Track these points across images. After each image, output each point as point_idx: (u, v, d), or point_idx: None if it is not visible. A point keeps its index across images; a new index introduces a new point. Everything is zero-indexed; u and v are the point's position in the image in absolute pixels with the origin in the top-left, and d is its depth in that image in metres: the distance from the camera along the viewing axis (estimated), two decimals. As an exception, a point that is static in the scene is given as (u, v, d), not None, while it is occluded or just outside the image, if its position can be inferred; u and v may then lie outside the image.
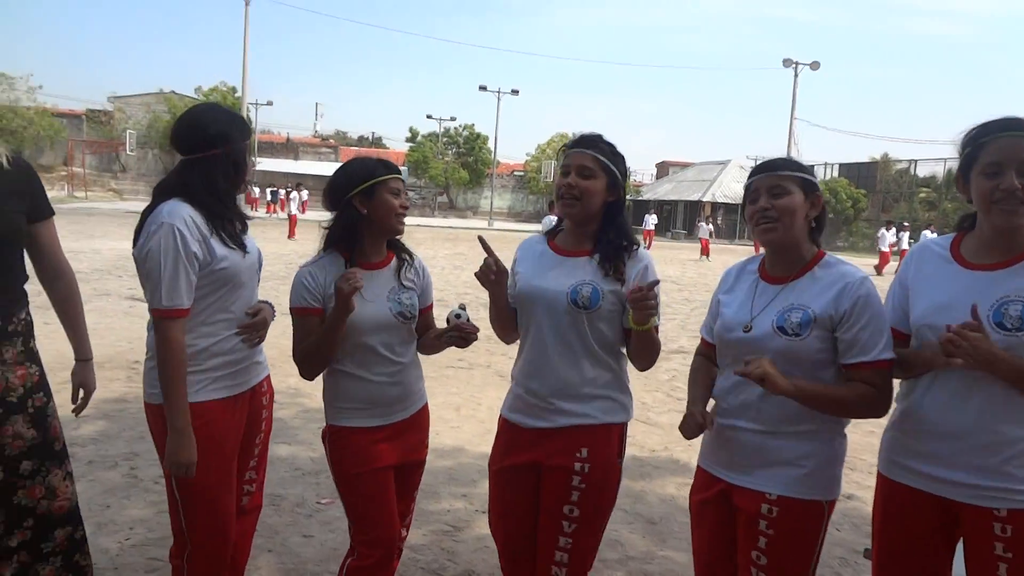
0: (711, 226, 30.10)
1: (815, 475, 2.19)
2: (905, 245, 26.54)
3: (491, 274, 2.48)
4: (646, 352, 2.45)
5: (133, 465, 4.51)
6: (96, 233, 20.59)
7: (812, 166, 2.35)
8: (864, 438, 5.76)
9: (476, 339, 2.58)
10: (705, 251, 28.63)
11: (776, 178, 2.25)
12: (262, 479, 2.81)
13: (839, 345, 2.15)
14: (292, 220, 25.36)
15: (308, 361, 2.50)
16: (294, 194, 27.60)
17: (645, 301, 2.26)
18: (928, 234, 25.23)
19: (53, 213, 2.55)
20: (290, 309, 2.52)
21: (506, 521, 2.59)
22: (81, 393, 2.64)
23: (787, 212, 2.21)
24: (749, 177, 2.35)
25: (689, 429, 2.28)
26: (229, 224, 2.47)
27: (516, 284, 2.57)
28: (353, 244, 2.52)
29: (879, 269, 24.03)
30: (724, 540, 2.33)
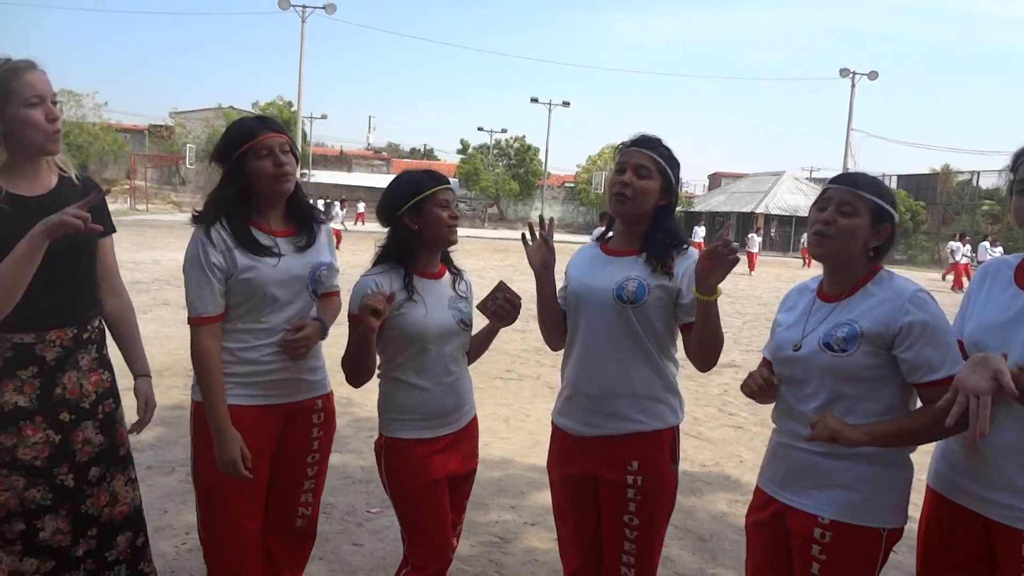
0: (760, 237, 28.15)
1: (872, 500, 2.10)
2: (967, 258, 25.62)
3: (543, 248, 2.52)
4: (708, 341, 2.34)
5: (190, 471, 4.60)
6: (156, 244, 21.16)
7: (892, 194, 2.24)
8: (922, 458, 5.60)
9: (518, 314, 2.58)
10: (751, 265, 25.88)
11: (852, 195, 2.16)
12: (317, 504, 2.79)
13: (903, 366, 2.07)
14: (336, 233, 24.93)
15: (348, 369, 2.50)
16: (337, 209, 26.85)
17: (719, 255, 2.16)
18: (987, 246, 24.35)
19: (114, 231, 2.57)
20: (348, 316, 2.52)
21: (567, 525, 2.65)
22: (146, 408, 2.64)
23: (845, 231, 2.15)
24: (827, 183, 2.29)
25: (749, 385, 2.25)
26: (249, 235, 2.47)
27: (568, 287, 2.59)
28: (409, 258, 2.53)
29: (958, 284, 23.09)
30: (779, 563, 2.28)
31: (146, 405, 2.61)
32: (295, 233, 2.59)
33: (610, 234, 2.64)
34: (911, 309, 2.05)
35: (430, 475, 2.51)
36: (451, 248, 2.66)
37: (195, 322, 2.46)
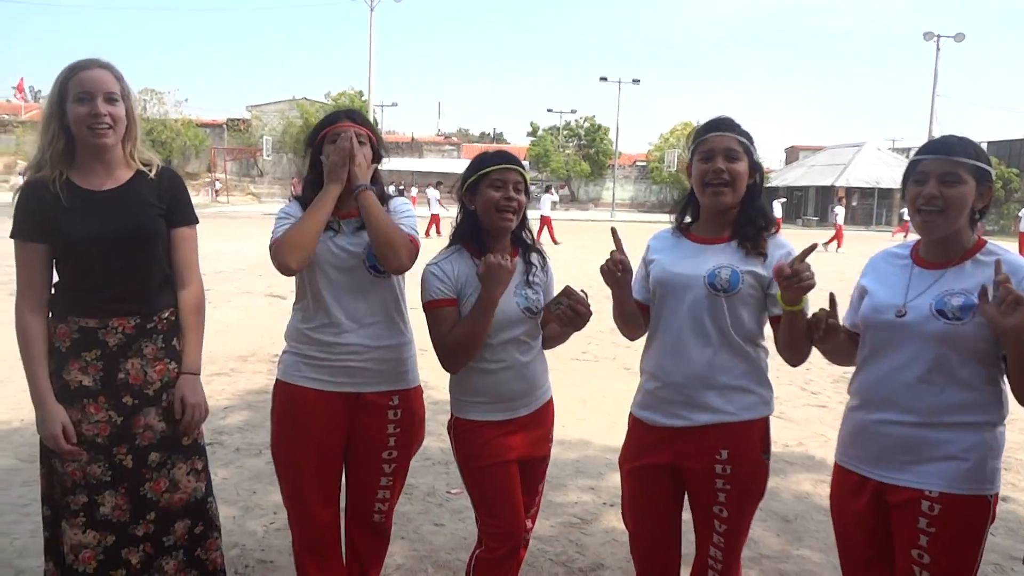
0: (843, 209, 25.90)
1: (979, 468, 2.08)
2: None
3: (617, 270, 2.41)
4: (796, 341, 2.30)
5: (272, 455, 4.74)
6: (238, 235, 21.80)
7: (982, 148, 2.14)
8: (1019, 436, 5.35)
9: (585, 322, 2.46)
10: (839, 239, 24.08)
11: (950, 164, 2.08)
12: (394, 502, 2.81)
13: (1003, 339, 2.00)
14: (433, 218, 24.05)
15: (455, 353, 2.47)
16: (432, 191, 26.20)
17: (798, 277, 2.14)
18: None
19: (196, 221, 2.61)
20: (424, 305, 2.52)
21: (640, 518, 2.57)
22: (183, 408, 2.48)
23: (956, 203, 2.08)
24: (917, 154, 2.20)
25: (817, 329, 2.22)
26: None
27: (650, 274, 2.52)
28: (476, 239, 2.53)
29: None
30: (876, 541, 2.23)
31: (183, 404, 2.47)
32: (358, 215, 2.59)
33: (687, 220, 2.56)
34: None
35: (499, 456, 2.52)
36: (524, 233, 2.63)
37: (274, 241, 2.52)
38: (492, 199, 2.46)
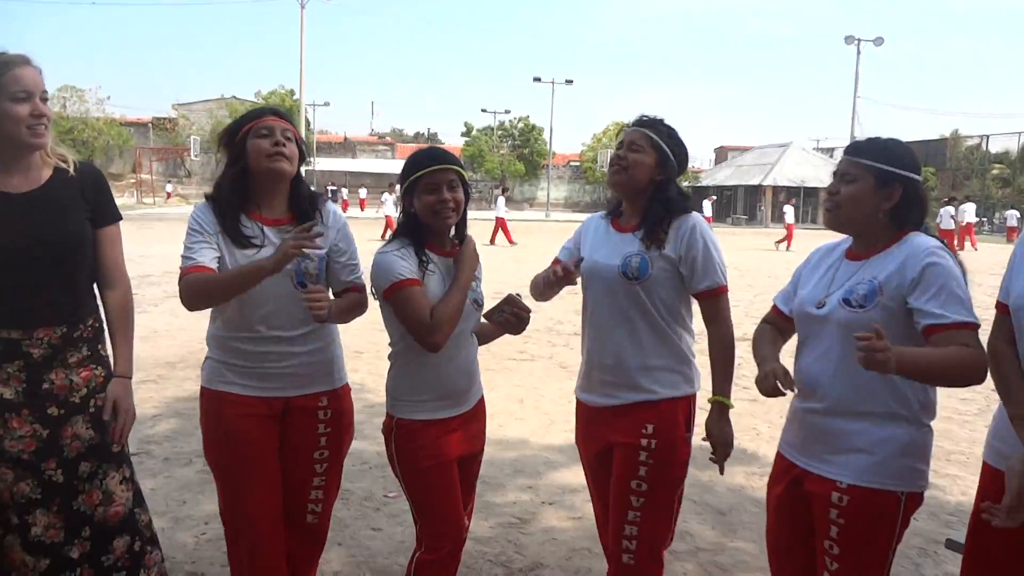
0: (793, 208, 25.43)
1: (889, 463, 2.10)
2: (970, 219, 25.28)
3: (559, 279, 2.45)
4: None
5: (207, 462, 4.62)
6: (165, 238, 21.18)
7: (907, 154, 2.20)
8: (939, 424, 5.57)
9: (525, 326, 2.52)
10: (789, 239, 23.86)
11: (849, 163, 2.19)
12: (330, 503, 2.77)
13: (916, 316, 2.04)
14: (388, 221, 23.02)
15: (445, 326, 2.37)
16: (386, 196, 25.11)
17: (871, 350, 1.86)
18: (1018, 215, 24.05)
19: (119, 219, 2.52)
20: (390, 287, 2.39)
21: (597, 499, 2.74)
22: (114, 411, 2.40)
23: (848, 200, 2.18)
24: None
25: (766, 386, 2.21)
26: (233, 220, 2.46)
27: (582, 265, 2.58)
28: (417, 235, 2.48)
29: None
30: (797, 528, 2.29)
31: (115, 409, 2.39)
32: (289, 222, 2.52)
33: (620, 208, 2.67)
34: (927, 259, 2.06)
35: (441, 457, 2.50)
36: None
37: (184, 273, 2.39)
38: (428, 203, 2.43)
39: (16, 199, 2.26)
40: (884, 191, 2.15)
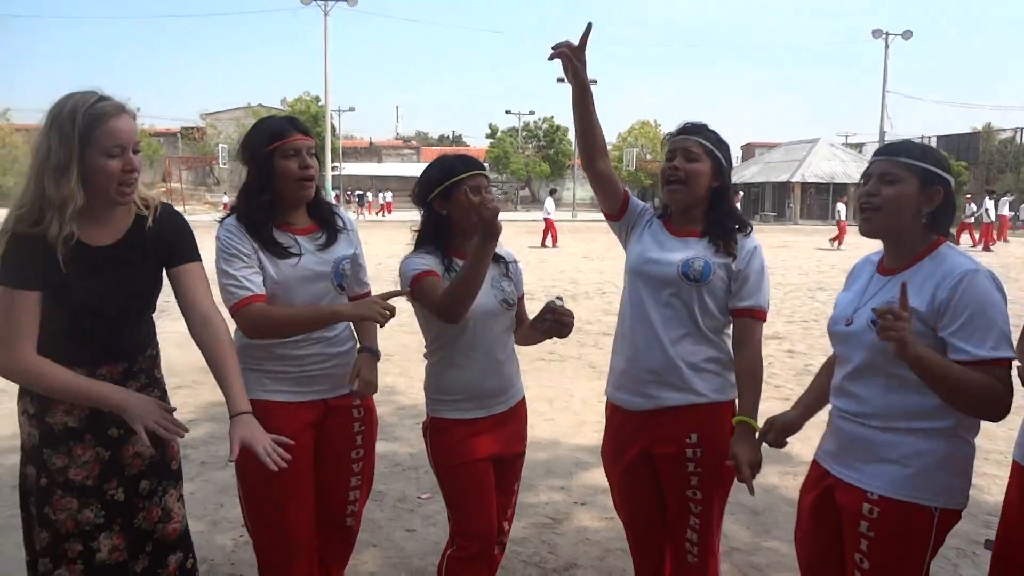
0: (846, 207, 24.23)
1: (923, 476, 2.00)
2: (1004, 212, 24.70)
3: (571, 54, 2.40)
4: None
5: (238, 473, 4.67)
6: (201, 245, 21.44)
7: (943, 156, 2.15)
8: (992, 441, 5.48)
9: (570, 330, 2.56)
10: (841, 236, 22.89)
11: (890, 164, 2.09)
12: (364, 502, 2.81)
13: (948, 349, 1.96)
14: (549, 224, 23.22)
15: (459, 298, 2.35)
16: (548, 200, 24.82)
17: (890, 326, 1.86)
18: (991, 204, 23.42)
19: (197, 259, 2.39)
20: (411, 281, 2.46)
21: (629, 506, 2.71)
22: (237, 449, 2.13)
23: (891, 202, 2.07)
24: (872, 155, 2.23)
25: (761, 435, 2.37)
26: (268, 234, 2.49)
27: (628, 260, 2.63)
28: (444, 242, 2.54)
29: (986, 244, 22.40)
30: (829, 540, 2.23)
31: (244, 445, 2.14)
32: (317, 230, 2.60)
33: (670, 210, 2.64)
34: (956, 285, 1.95)
35: (472, 455, 2.52)
36: None
37: (242, 303, 2.39)
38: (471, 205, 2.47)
39: (94, 252, 2.19)
40: (927, 192, 2.06)
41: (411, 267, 2.49)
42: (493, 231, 2.26)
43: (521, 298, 2.74)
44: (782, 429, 2.35)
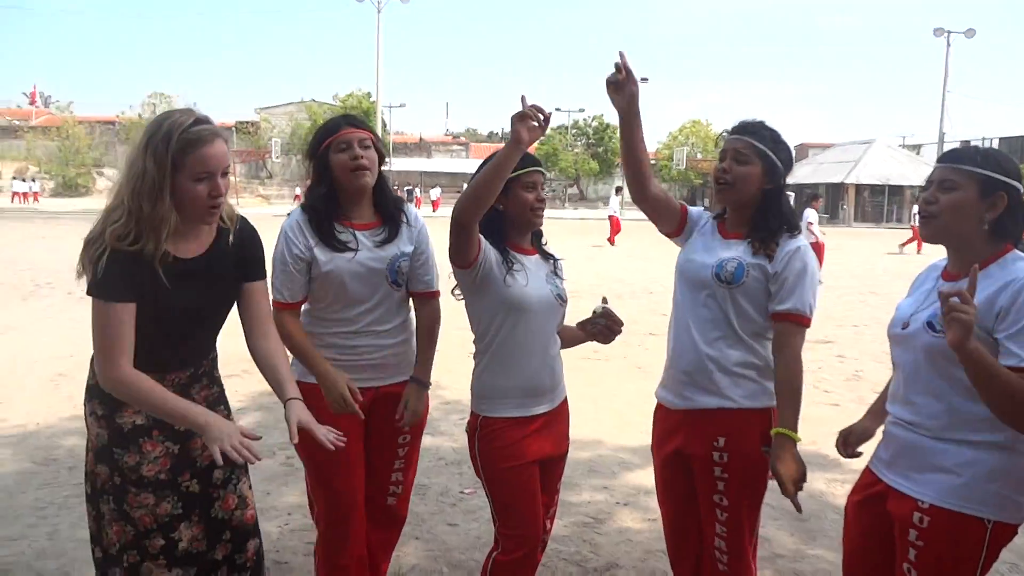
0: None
1: (974, 486, 1.95)
2: None
3: (625, 86, 2.47)
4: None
5: (289, 454, 4.75)
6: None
7: (1009, 160, 2.06)
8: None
9: (620, 332, 2.60)
10: (916, 241, 21.69)
11: (949, 171, 2.04)
12: (409, 486, 2.89)
13: (1000, 351, 1.91)
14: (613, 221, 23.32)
15: (467, 197, 2.33)
16: (612, 197, 25.07)
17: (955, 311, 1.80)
18: None
19: (264, 276, 2.46)
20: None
21: (666, 503, 2.71)
22: (295, 429, 2.24)
23: (948, 210, 2.02)
24: (935, 163, 2.18)
25: (837, 444, 2.32)
26: (328, 228, 2.60)
27: (679, 254, 2.63)
28: (498, 236, 2.54)
29: None
30: (875, 546, 2.19)
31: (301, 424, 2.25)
32: (378, 226, 2.67)
33: (726, 212, 2.61)
34: (1021, 292, 1.90)
35: (523, 458, 2.52)
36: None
37: (276, 306, 2.60)
38: (526, 199, 2.52)
39: (180, 265, 2.24)
40: (988, 200, 2.00)
41: None
42: (520, 137, 2.21)
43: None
44: (856, 440, 2.30)
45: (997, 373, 1.84)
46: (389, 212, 2.70)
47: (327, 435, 2.19)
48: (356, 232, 2.63)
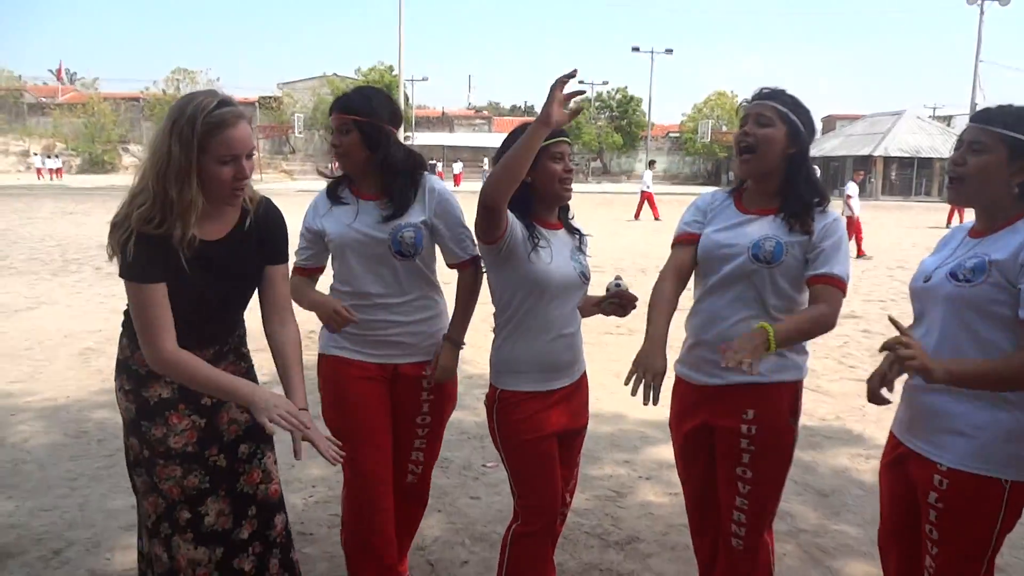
0: None
1: (990, 448, 1.99)
2: None
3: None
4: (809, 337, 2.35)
5: (325, 424, 4.80)
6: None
7: None
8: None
9: (635, 308, 2.57)
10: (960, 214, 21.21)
11: (980, 131, 2.03)
12: (429, 467, 2.91)
13: (1021, 299, 1.92)
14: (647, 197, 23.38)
15: (495, 179, 2.27)
16: (646, 172, 24.87)
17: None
18: None
19: (286, 260, 2.48)
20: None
21: (690, 478, 2.68)
22: (300, 447, 2.22)
23: (977, 173, 2.02)
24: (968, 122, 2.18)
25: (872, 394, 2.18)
26: (336, 193, 2.75)
27: (700, 241, 2.51)
28: (525, 208, 2.49)
29: None
30: (902, 508, 2.23)
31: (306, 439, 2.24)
32: (384, 198, 2.68)
33: (744, 185, 2.54)
34: None
35: (541, 430, 2.52)
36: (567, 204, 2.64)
37: (294, 272, 2.69)
38: (554, 171, 2.47)
39: (205, 247, 2.26)
40: (1018, 163, 1.99)
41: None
42: (550, 117, 2.16)
43: None
44: (877, 383, 2.16)
45: (985, 372, 1.91)
46: (397, 188, 2.67)
47: (328, 449, 2.22)
48: (360, 200, 2.70)
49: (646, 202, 22.98)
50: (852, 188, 15.19)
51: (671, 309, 2.46)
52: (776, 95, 2.41)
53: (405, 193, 2.67)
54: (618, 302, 2.55)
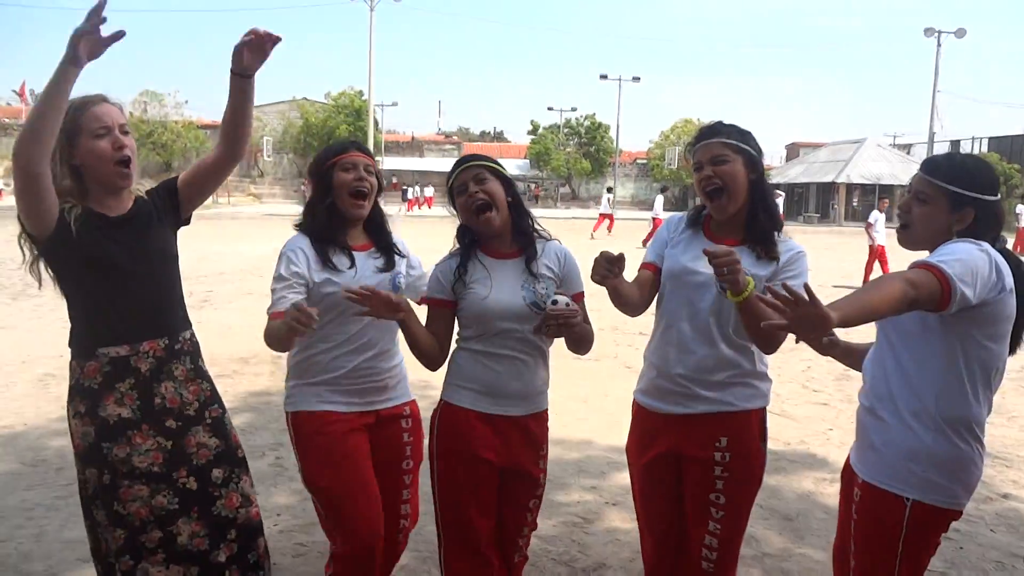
0: None
1: (892, 464, 2.10)
2: None
3: (608, 272, 2.33)
4: (753, 331, 2.28)
5: (279, 455, 4.75)
6: (241, 236, 21.79)
7: (983, 173, 2.11)
8: (1019, 433, 5.35)
9: (576, 322, 2.34)
10: (1020, 243, 21.71)
11: (923, 182, 2.14)
12: (413, 518, 2.84)
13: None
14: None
15: (414, 353, 2.48)
16: (605, 195, 26.19)
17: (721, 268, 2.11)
18: None
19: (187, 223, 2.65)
20: (421, 300, 2.63)
21: (650, 509, 2.64)
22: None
23: (921, 221, 2.14)
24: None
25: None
26: (326, 252, 2.58)
27: (665, 267, 2.54)
28: (467, 238, 2.53)
29: (1017, 248, 21.73)
30: (848, 522, 2.32)
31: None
32: (373, 248, 2.69)
33: (706, 211, 2.54)
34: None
35: (478, 452, 2.45)
36: (536, 229, 2.58)
37: (272, 316, 2.49)
38: (461, 204, 2.48)
39: (111, 220, 2.36)
40: (957, 214, 2.10)
41: (428, 284, 2.60)
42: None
43: (580, 295, 2.56)
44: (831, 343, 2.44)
45: (869, 299, 1.84)
46: (384, 241, 2.72)
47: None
48: (355, 253, 2.64)
49: (606, 220, 24.73)
50: (874, 216, 15.38)
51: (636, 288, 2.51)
52: (720, 131, 2.45)
53: (391, 248, 2.73)
54: (554, 323, 2.32)
